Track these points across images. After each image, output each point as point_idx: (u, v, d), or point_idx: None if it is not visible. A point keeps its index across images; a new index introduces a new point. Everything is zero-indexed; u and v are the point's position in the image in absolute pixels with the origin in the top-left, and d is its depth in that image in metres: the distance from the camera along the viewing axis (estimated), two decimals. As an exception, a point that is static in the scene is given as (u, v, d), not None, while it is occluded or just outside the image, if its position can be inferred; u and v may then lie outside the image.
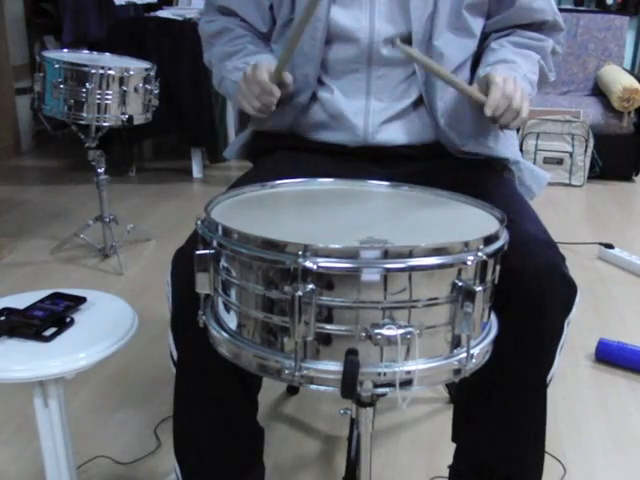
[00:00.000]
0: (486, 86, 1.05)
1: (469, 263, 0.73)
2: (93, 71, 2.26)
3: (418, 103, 1.21)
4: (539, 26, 1.23)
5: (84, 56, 2.57)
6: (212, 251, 0.78)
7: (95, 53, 2.65)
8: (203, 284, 0.79)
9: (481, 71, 1.14)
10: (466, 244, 0.73)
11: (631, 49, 4.68)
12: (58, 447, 1.15)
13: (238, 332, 0.79)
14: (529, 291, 0.97)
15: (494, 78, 1.04)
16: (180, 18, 3.56)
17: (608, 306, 2.31)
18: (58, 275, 2.47)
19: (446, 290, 0.73)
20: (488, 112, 1.03)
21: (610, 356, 1.92)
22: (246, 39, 1.26)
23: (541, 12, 1.21)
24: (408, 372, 0.73)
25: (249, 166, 1.32)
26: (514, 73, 1.10)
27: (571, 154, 3.80)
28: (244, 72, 1.15)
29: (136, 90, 2.37)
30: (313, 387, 0.75)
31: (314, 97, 1.23)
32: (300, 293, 0.69)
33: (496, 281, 0.80)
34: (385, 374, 0.73)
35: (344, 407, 0.88)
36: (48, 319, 1.11)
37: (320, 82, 1.22)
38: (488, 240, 0.76)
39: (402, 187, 1.02)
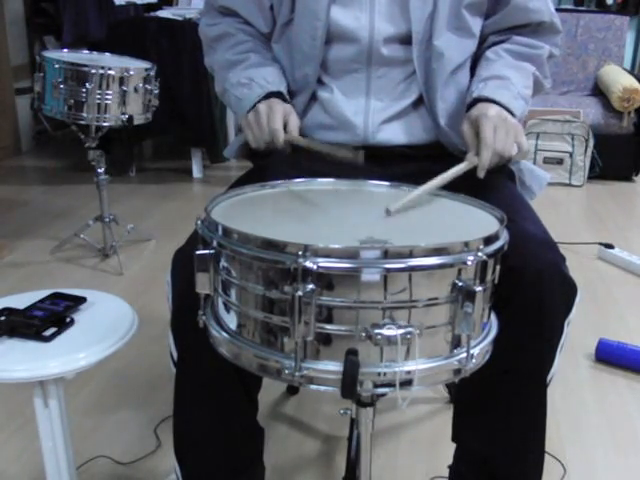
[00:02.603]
0: (476, 126, 1.05)
1: (469, 263, 0.73)
2: (93, 71, 2.26)
3: (418, 103, 1.21)
4: (536, 27, 1.22)
5: (84, 56, 2.57)
6: (212, 251, 0.78)
7: (95, 53, 2.66)
8: (203, 284, 0.79)
9: (474, 87, 1.14)
10: (466, 244, 0.73)
11: (631, 49, 4.69)
12: (58, 447, 1.15)
13: (238, 332, 0.79)
14: (529, 291, 0.97)
15: (484, 132, 1.03)
16: (180, 18, 3.56)
17: (608, 306, 2.31)
18: (58, 275, 2.47)
19: (446, 290, 0.73)
20: (481, 175, 1.03)
21: (610, 356, 1.92)
22: (248, 45, 1.26)
23: (537, 12, 1.21)
24: (408, 372, 0.73)
25: (249, 166, 1.32)
26: (507, 92, 1.11)
27: (571, 154, 3.80)
28: (257, 108, 1.14)
29: (136, 90, 2.37)
30: (313, 387, 0.75)
31: (314, 97, 1.23)
32: (300, 293, 0.69)
33: (496, 281, 0.80)
34: (385, 374, 0.73)
35: (344, 407, 0.88)
36: (48, 319, 1.11)
37: (320, 82, 1.22)
38: (488, 240, 0.76)
39: (402, 187, 1.02)
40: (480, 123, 1.05)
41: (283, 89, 1.20)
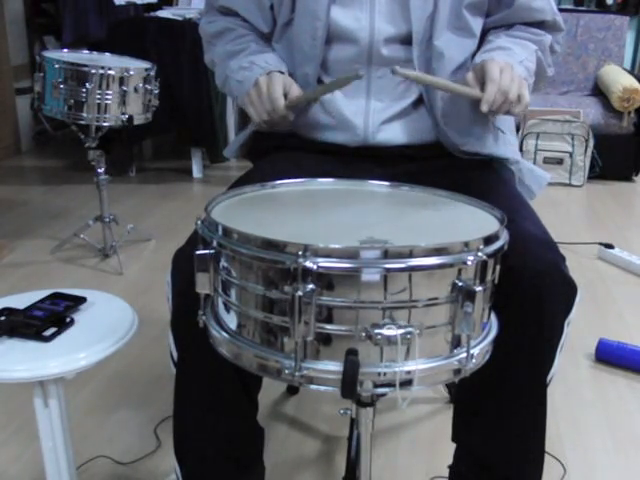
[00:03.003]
0: (482, 75, 1.06)
1: (469, 263, 0.73)
2: (93, 71, 2.26)
3: (418, 103, 1.21)
4: (538, 25, 1.23)
5: (84, 56, 2.57)
6: (212, 251, 0.78)
7: (95, 53, 2.66)
8: (203, 284, 0.79)
9: (477, 58, 1.14)
10: (466, 244, 0.73)
11: (631, 49, 4.68)
12: (58, 447, 1.15)
13: (238, 332, 0.79)
14: (529, 291, 0.97)
15: (490, 71, 1.04)
16: (180, 18, 3.56)
17: (608, 306, 2.31)
18: (58, 275, 2.47)
19: (446, 290, 0.73)
20: (484, 108, 1.04)
21: (610, 356, 1.92)
22: (249, 37, 1.26)
23: (540, 12, 1.21)
24: (408, 372, 0.73)
25: (249, 166, 1.32)
26: (510, 59, 1.11)
27: (571, 154, 3.80)
28: (257, 80, 1.14)
29: (136, 90, 2.37)
30: (313, 387, 0.75)
31: (314, 97, 1.23)
32: (300, 293, 0.69)
33: (496, 281, 0.80)
34: (385, 374, 0.73)
35: (344, 407, 0.88)
36: (48, 319, 1.11)
37: (320, 82, 1.22)
38: (488, 240, 0.76)
39: (402, 187, 1.02)
40: (486, 65, 1.06)
41: (284, 70, 1.20)
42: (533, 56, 1.19)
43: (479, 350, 0.79)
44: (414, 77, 1.05)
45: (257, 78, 1.15)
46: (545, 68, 1.24)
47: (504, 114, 1.09)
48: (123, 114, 2.36)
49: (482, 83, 1.06)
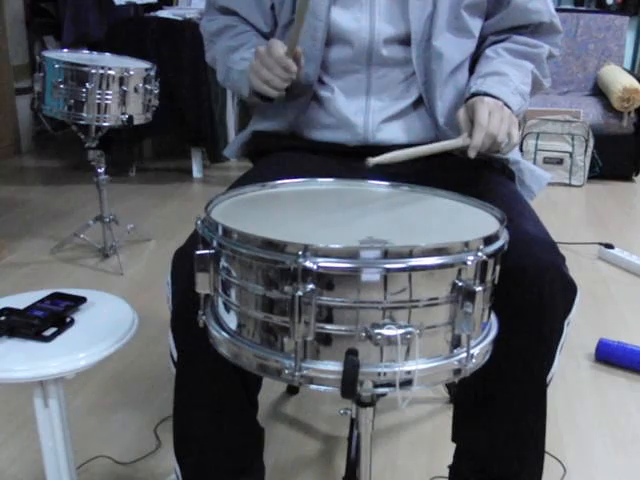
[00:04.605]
0: (472, 113, 1.06)
1: (469, 263, 0.73)
2: (93, 71, 2.26)
3: (418, 103, 1.21)
4: (536, 28, 1.23)
5: (84, 56, 2.57)
6: (212, 251, 0.78)
7: (95, 53, 2.66)
8: (203, 284, 0.79)
9: (472, 83, 1.15)
10: (466, 244, 0.73)
11: (631, 49, 4.68)
12: (58, 447, 1.15)
13: (238, 332, 0.79)
14: (529, 291, 0.97)
15: (479, 115, 1.04)
16: (180, 18, 3.56)
17: (608, 306, 2.31)
18: (58, 275, 2.47)
19: (446, 290, 0.73)
20: (472, 154, 1.04)
21: (610, 356, 1.92)
22: (250, 33, 1.27)
23: (537, 13, 1.21)
24: (408, 372, 0.73)
25: (249, 166, 1.33)
26: (505, 88, 1.11)
27: (571, 154, 3.80)
28: (257, 49, 1.13)
29: (136, 90, 2.37)
30: (313, 387, 0.75)
31: (314, 97, 1.23)
32: (300, 293, 0.69)
33: (496, 281, 0.80)
34: (385, 374, 0.73)
35: (344, 407, 0.88)
36: (48, 319, 1.11)
37: (320, 82, 1.23)
38: (488, 240, 0.76)
39: (402, 187, 1.02)
40: (476, 107, 1.05)
41: None
42: (528, 77, 1.19)
43: (479, 350, 0.79)
44: (390, 159, 0.98)
45: (257, 48, 1.14)
46: (541, 82, 1.24)
47: (493, 154, 1.09)
48: (123, 114, 2.36)
49: (472, 121, 1.06)
